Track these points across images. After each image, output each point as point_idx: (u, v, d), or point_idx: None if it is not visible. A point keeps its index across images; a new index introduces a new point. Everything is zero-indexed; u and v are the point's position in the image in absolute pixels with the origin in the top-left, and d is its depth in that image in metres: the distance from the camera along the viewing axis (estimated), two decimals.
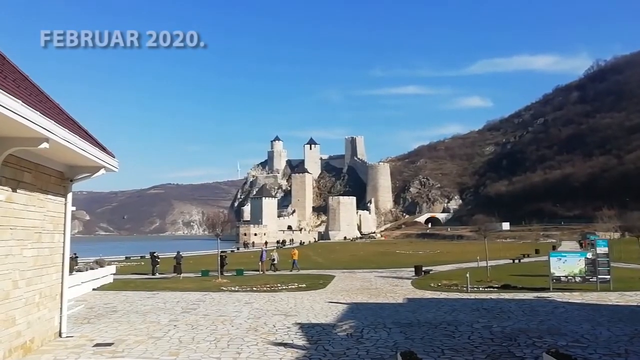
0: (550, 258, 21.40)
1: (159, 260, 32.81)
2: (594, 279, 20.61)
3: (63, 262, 10.98)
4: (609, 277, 20.75)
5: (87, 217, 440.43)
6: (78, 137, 9.17)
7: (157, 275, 30.55)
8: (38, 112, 7.18)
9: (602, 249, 21.51)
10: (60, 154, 9.48)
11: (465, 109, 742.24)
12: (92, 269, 24.43)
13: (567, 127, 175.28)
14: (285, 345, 10.71)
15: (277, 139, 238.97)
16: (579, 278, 20.82)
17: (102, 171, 11.13)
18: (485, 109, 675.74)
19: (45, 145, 7.76)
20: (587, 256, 21.42)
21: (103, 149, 11.03)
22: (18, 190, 8.74)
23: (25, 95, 7.36)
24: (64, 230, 11.00)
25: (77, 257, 35.84)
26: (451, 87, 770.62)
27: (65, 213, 11.04)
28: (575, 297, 18.35)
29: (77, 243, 52.28)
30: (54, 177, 10.46)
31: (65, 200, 11.05)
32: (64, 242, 10.99)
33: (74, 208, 11.47)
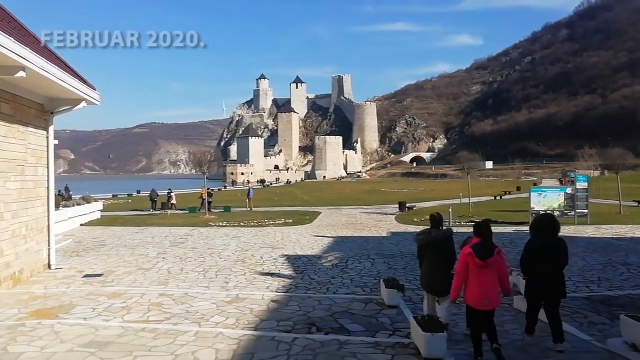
0: (531, 193, 21.91)
1: (172, 198, 32.99)
2: (572, 213, 21.19)
3: (48, 196, 10.98)
4: (586, 211, 21.39)
5: (72, 156, 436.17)
6: (56, 67, 8.92)
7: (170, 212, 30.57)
8: (12, 39, 6.93)
9: (581, 184, 22.05)
10: (38, 84, 9.25)
11: (455, 46, 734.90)
12: (79, 204, 24.47)
13: (554, 65, 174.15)
14: (272, 274, 11.01)
15: (262, 77, 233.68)
16: (558, 212, 21.31)
17: (83, 104, 10.92)
18: (475, 47, 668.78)
19: (21, 73, 7.55)
20: (567, 191, 21.94)
21: (83, 80, 10.76)
22: None
23: None
24: (47, 164, 10.92)
25: (70, 191, 35.63)
26: (442, 24, 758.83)
27: (47, 146, 10.92)
28: None
29: (63, 181, 51.94)
30: (33, 110, 10.25)
31: (47, 133, 10.89)
32: (47, 176, 10.93)
33: (56, 141, 11.31)
